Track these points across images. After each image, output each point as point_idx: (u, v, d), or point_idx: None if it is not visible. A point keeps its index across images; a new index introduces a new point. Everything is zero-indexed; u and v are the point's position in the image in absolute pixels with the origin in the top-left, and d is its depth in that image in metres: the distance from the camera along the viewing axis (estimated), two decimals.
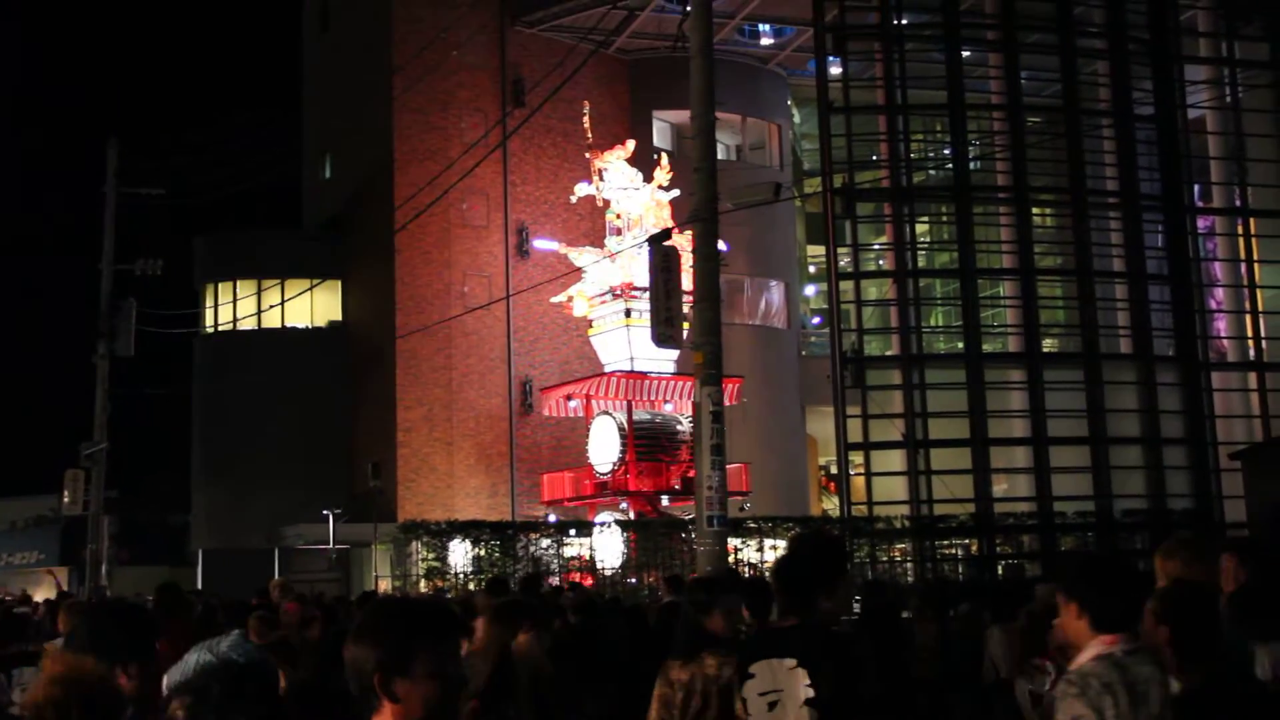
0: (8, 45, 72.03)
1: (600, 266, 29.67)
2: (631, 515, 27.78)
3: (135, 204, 32.09)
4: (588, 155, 31.09)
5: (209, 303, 38.48)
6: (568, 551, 24.76)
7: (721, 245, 29.53)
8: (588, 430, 30.50)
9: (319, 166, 41.25)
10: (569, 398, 30.64)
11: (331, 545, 31.39)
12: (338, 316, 38.19)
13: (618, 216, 30.22)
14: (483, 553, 24.38)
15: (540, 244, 33.76)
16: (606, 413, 29.39)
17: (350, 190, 38.21)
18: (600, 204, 30.74)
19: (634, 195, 29.85)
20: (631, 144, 30.87)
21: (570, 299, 30.70)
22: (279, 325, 36.88)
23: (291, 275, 36.14)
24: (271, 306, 35.11)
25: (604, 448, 29.17)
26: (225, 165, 35.44)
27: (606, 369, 29.68)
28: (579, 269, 30.54)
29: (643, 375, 28.70)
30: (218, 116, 68.54)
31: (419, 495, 33.60)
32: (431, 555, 24.33)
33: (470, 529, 25.03)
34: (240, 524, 35.40)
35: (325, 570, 32.12)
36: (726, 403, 29.65)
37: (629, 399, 28.82)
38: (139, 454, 49.22)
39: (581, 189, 30.77)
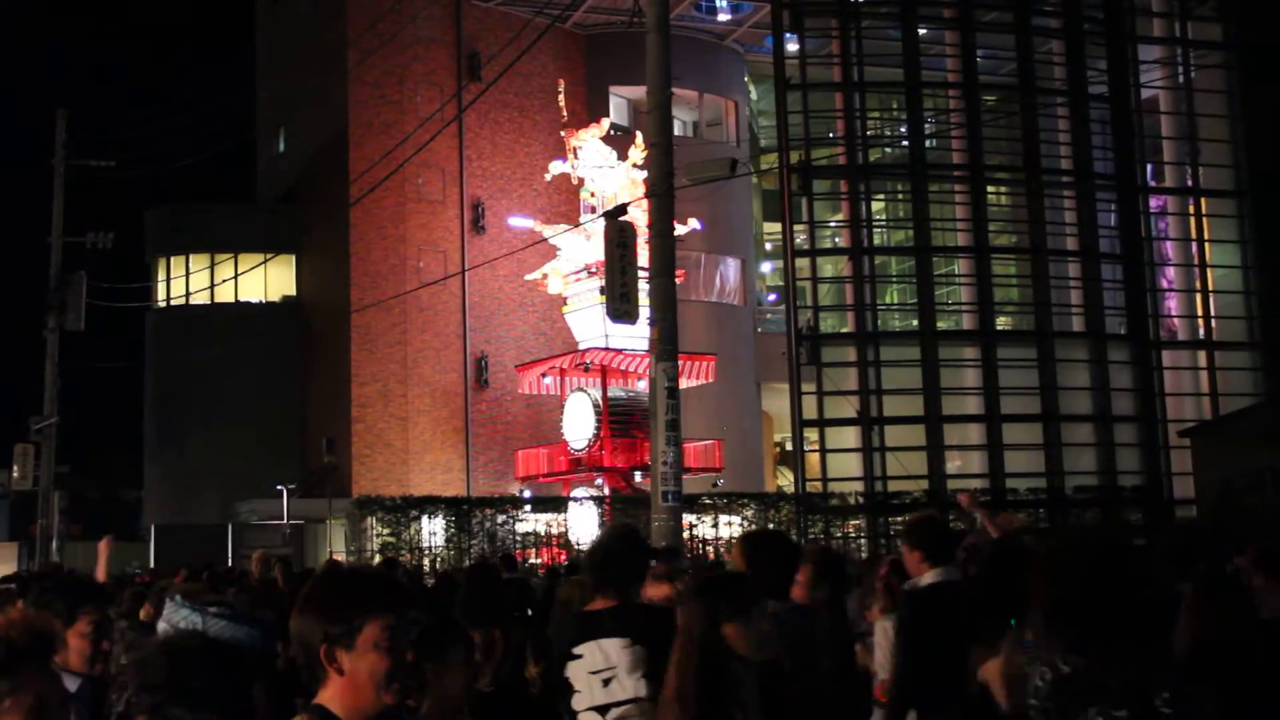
0: None
1: (575, 244, 29.57)
2: (606, 491, 27.79)
3: (85, 176, 31.73)
4: (563, 134, 30.97)
5: (161, 277, 38.14)
6: (522, 527, 24.77)
7: (695, 224, 29.75)
8: (561, 407, 30.52)
9: (272, 140, 40.87)
10: (544, 374, 30.58)
11: (285, 520, 31.24)
12: (291, 291, 37.93)
13: (592, 194, 30.13)
14: (438, 529, 24.36)
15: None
16: (581, 389, 29.38)
17: (304, 164, 37.90)
18: (575, 182, 30.62)
19: (609, 173, 29.74)
20: (606, 122, 30.79)
21: (545, 276, 30.62)
22: (232, 299, 36.59)
23: (245, 249, 35.83)
24: (224, 281, 34.83)
25: (579, 424, 29.16)
26: (177, 138, 35.18)
27: (581, 346, 29.60)
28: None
29: (617, 352, 28.62)
30: (169, 89, 67.84)
31: (374, 471, 33.48)
32: (387, 531, 24.28)
33: (426, 504, 24.99)
34: (193, 499, 35.16)
35: (279, 546, 31.95)
36: (702, 380, 29.86)
37: (603, 375, 28.78)
38: (91, 429, 48.81)
39: (556, 167, 30.66)
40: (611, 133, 32.03)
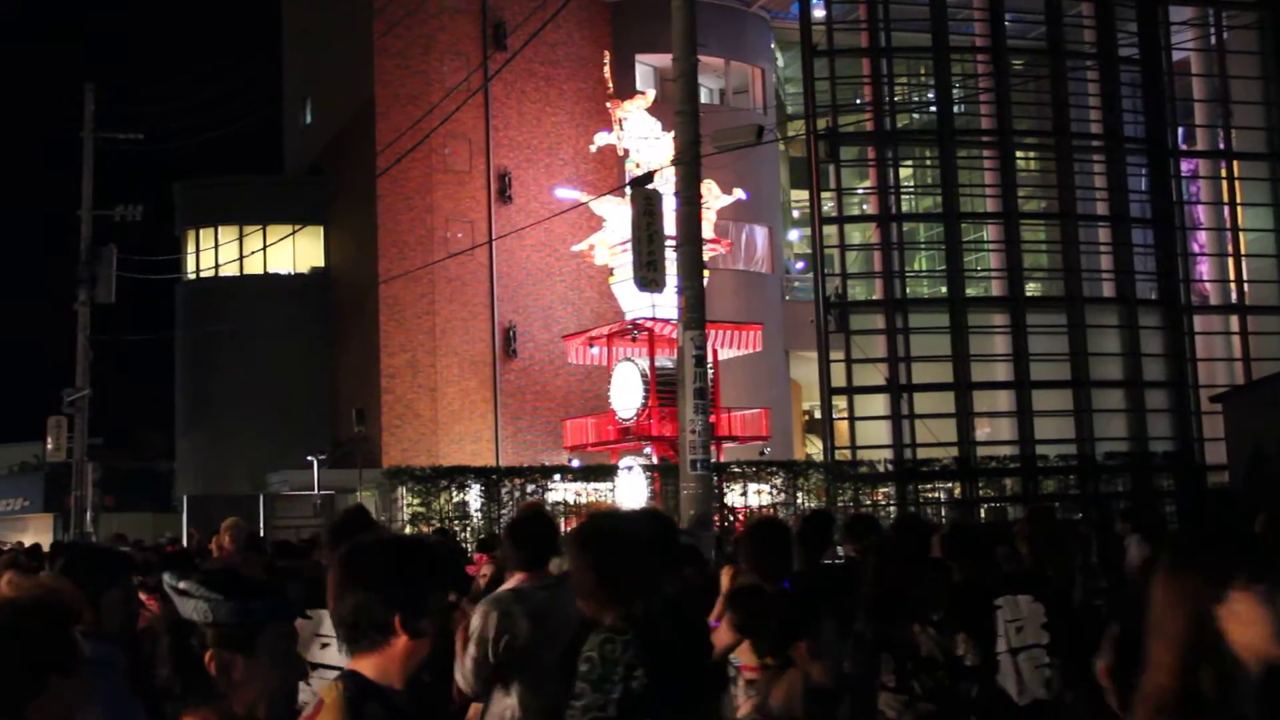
0: None
1: (621, 215, 29.46)
2: (655, 460, 27.80)
3: (114, 150, 31.89)
4: (608, 105, 30.87)
5: (190, 249, 38.30)
6: (552, 496, 24.85)
7: (740, 193, 29.56)
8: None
9: (299, 111, 40.92)
10: (590, 343, 30.57)
11: (316, 491, 31.42)
12: (320, 262, 38.05)
13: (637, 165, 30.02)
14: (468, 498, 24.46)
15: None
16: (629, 359, 29.34)
17: (331, 135, 37.94)
18: (621, 153, 30.50)
19: (654, 145, 29.56)
20: (651, 94, 30.57)
21: (591, 248, 30.55)
22: (261, 271, 36.72)
23: (273, 221, 35.93)
24: (253, 252, 34.96)
25: (627, 394, 29.10)
26: (205, 110, 35.29)
27: (628, 316, 29.56)
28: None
29: (665, 322, 28.51)
30: (196, 61, 68.02)
31: (403, 441, 33.62)
32: (417, 501, 24.40)
33: (455, 474, 25.10)
34: (225, 470, 35.40)
35: (310, 516, 32.18)
36: (748, 350, 29.68)
37: (650, 344, 28.73)
38: (123, 401, 49.20)
39: (601, 138, 30.55)
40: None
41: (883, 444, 25.80)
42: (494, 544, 12.00)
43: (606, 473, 26.12)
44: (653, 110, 30.11)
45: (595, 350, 30.54)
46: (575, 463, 28.89)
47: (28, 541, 27.52)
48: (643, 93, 30.85)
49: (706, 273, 28.04)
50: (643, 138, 29.73)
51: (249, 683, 2.81)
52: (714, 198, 29.10)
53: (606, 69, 31.81)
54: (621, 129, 29.98)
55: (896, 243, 27.10)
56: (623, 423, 29.16)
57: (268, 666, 2.83)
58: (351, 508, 6.63)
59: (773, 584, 5.86)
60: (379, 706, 3.00)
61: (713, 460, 26.00)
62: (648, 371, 28.59)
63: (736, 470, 25.30)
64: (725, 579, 6.13)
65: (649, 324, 28.30)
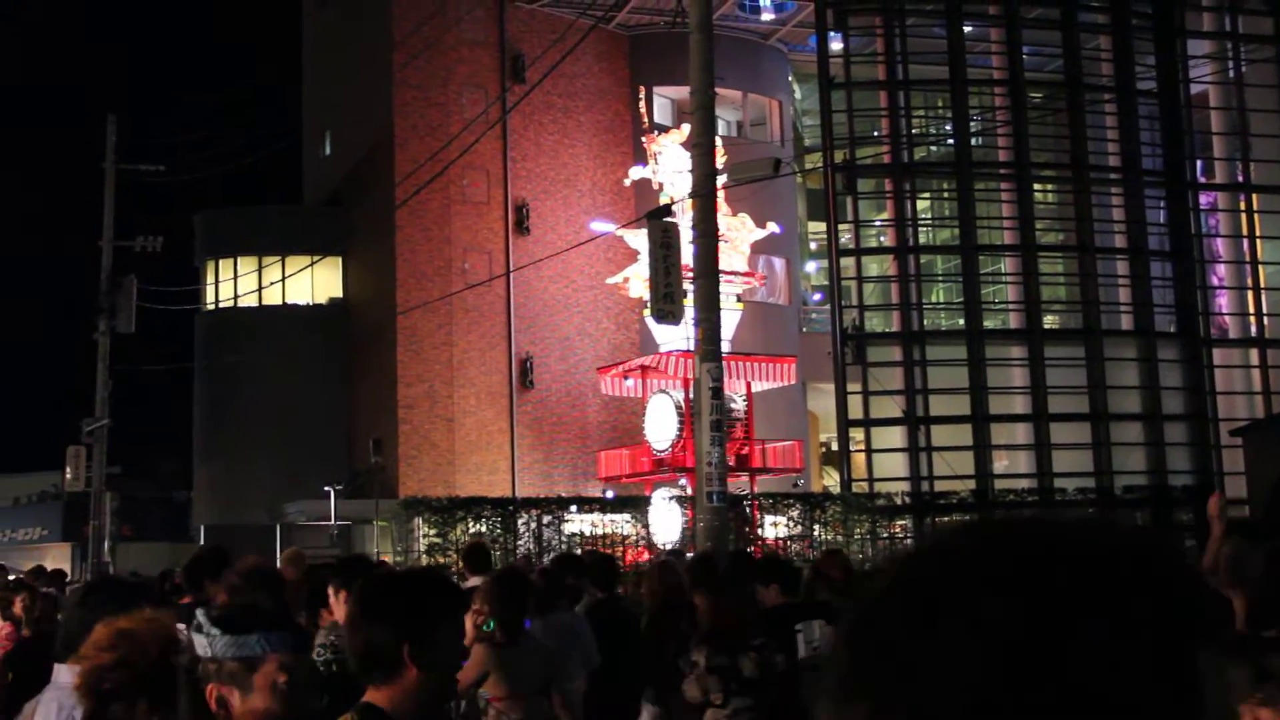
0: (7, 21, 71.83)
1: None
2: (689, 491, 27.77)
3: (135, 181, 32.10)
4: (644, 140, 30.97)
5: (209, 279, 38.44)
6: (568, 528, 24.82)
7: (774, 227, 29.48)
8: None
9: (319, 142, 41.14)
10: (625, 375, 30.55)
11: (333, 521, 31.45)
12: (338, 293, 38.16)
13: (672, 200, 30.04)
14: (485, 529, 24.44)
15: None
16: (664, 391, 29.31)
17: (350, 166, 38.11)
18: (656, 187, 30.61)
19: (689, 179, 29.54)
20: (687, 128, 30.72)
21: (626, 280, 30.59)
22: (280, 302, 36.83)
23: (292, 252, 36.08)
24: (272, 283, 35.07)
25: (661, 426, 29.05)
26: (225, 142, 35.50)
27: (661, 348, 29.55)
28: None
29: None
30: (217, 93, 68.46)
31: (420, 472, 33.62)
32: (433, 532, 24.39)
33: (472, 505, 25.09)
34: (242, 500, 35.43)
35: (326, 546, 32.20)
36: (784, 382, 29.56)
37: (685, 377, 28.69)
38: (141, 430, 49.34)
39: (636, 172, 30.62)
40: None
41: (900, 476, 25.73)
42: None
43: (637, 504, 26.07)
44: (688, 145, 30.22)
45: (630, 383, 30.52)
46: (610, 493, 28.86)
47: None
48: (678, 127, 31.00)
49: (740, 305, 28.32)
50: (677, 171, 29.77)
51: (245, 718, 2.82)
52: (748, 231, 29.10)
53: (641, 104, 31.85)
54: (656, 163, 30.05)
55: (914, 275, 27.10)
56: (658, 454, 29.12)
57: (265, 701, 2.83)
58: (208, 546, 6.80)
59: (509, 632, 6.35)
60: None
61: (746, 491, 26.08)
62: (682, 403, 28.56)
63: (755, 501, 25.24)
64: (469, 624, 6.38)
65: (683, 356, 28.29)
